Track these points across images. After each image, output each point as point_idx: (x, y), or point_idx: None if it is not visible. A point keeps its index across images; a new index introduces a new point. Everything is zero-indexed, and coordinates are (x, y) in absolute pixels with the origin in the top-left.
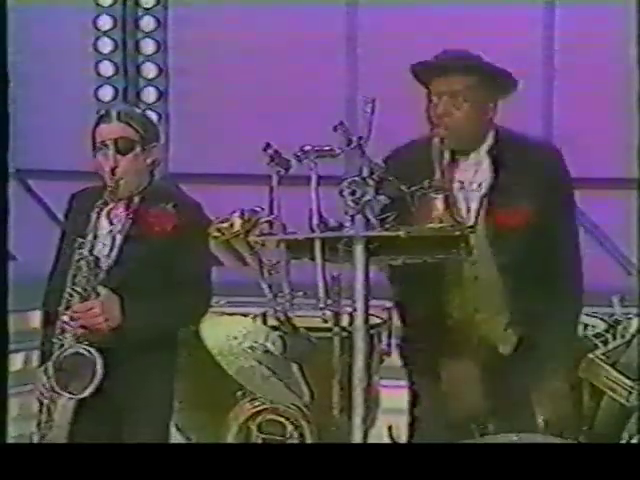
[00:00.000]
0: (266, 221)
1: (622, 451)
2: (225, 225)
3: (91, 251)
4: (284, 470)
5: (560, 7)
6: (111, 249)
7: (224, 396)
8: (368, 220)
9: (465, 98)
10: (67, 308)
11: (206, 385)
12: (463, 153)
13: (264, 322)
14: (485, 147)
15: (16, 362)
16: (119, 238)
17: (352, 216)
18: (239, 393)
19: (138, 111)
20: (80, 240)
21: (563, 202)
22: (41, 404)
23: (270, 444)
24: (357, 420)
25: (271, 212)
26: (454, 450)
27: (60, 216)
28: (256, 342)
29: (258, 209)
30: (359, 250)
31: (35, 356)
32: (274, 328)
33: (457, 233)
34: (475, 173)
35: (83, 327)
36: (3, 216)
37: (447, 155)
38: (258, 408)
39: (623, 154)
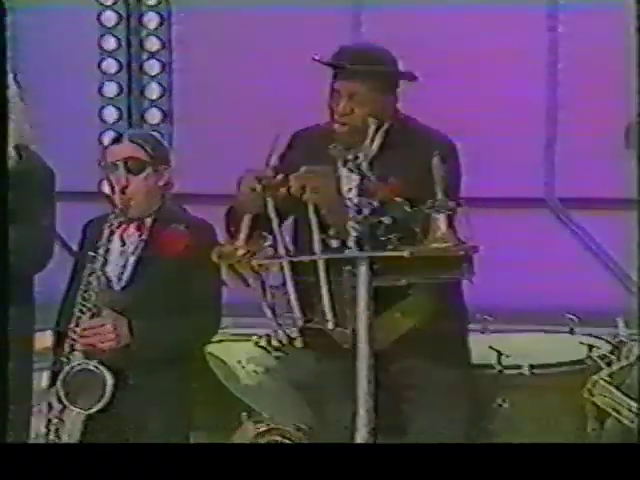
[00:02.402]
0: (270, 245)
1: (622, 451)
2: (228, 249)
3: (103, 266)
4: (283, 471)
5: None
6: (123, 270)
7: (229, 417)
8: (371, 240)
9: (363, 100)
10: (77, 325)
11: (210, 405)
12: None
13: (269, 343)
14: (381, 132)
15: None
16: (132, 259)
17: (355, 237)
18: (244, 414)
19: (151, 134)
20: (91, 254)
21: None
22: (49, 423)
23: (269, 444)
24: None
25: (274, 236)
26: (454, 451)
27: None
28: (259, 365)
29: (263, 232)
30: (363, 271)
31: (41, 378)
32: (276, 350)
33: (461, 253)
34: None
35: (92, 344)
36: (2, 219)
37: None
38: (262, 429)
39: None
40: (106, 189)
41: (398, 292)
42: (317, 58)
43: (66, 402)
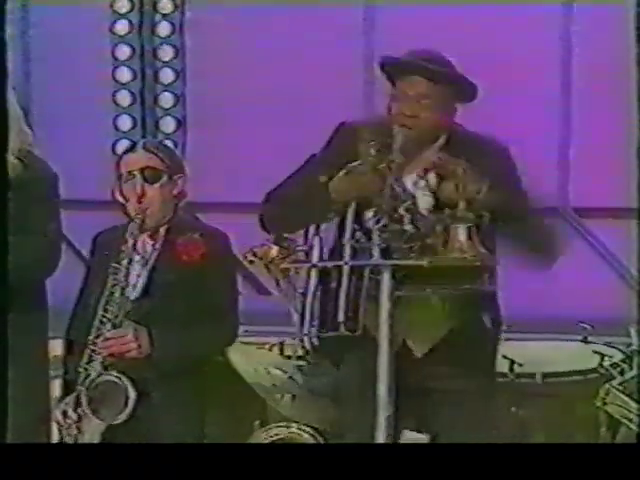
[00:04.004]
0: (302, 250)
1: (622, 451)
2: (262, 250)
3: (126, 277)
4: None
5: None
6: (138, 279)
7: (241, 425)
8: (394, 249)
9: (430, 102)
10: (97, 337)
11: (223, 414)
12: (418, 149)
13: (281, 352)
14: (437, 145)
15: None
16: (146, 269)
17: (378, 245)
18: (257, 422)
19: (163, 142)
20: (115, 266)
21: (511, 188)
22: (63, 431)
23: (274, 444)
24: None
25: (306, 241)
26: (454, 450)
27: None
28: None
29: (294, 237)
30: (386, 278)
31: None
32: (298, 358)
33: (478, 263)
34: (425, 171)
35: (112, 355)
36: (3, 221)
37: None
38: (275, 437)
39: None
40: (119, 198)
41: (428, 299)
42: (386, 57)
43: (89, 413)
